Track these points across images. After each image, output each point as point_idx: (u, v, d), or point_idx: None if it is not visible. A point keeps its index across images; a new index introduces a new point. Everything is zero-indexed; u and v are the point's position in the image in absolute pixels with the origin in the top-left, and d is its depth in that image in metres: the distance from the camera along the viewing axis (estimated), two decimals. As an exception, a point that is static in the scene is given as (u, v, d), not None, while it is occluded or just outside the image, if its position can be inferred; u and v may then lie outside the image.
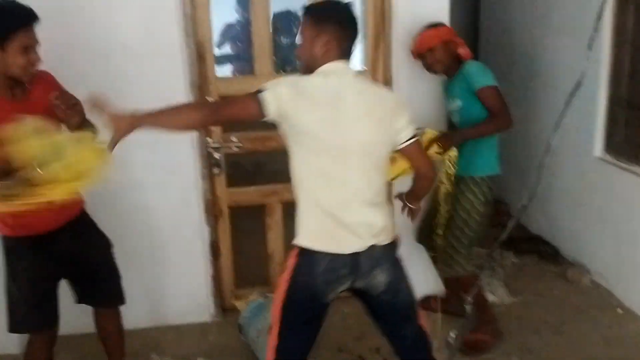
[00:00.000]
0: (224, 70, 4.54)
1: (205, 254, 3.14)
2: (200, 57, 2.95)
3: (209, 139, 3.04)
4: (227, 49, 4.73)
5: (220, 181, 3.15)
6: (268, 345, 1.99)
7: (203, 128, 1.79)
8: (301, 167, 1.89)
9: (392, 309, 2.03)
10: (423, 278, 3.25)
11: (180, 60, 2.87)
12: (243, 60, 4.07)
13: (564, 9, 3.71)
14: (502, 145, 2.86)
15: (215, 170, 3.10)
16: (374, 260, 1.93)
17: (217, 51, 3.28)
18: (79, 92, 2.84)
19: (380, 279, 1.96)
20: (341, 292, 1.97)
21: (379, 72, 3.09)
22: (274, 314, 1.96)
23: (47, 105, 2.05)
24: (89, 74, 2.85)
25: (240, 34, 4.44)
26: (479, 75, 2.60)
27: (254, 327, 2.78)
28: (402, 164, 2.27)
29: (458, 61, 2.72)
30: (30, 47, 2.00)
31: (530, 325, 3.07)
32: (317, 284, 1.90)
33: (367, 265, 1.93)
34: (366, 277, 1.94)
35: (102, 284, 2.41)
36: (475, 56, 5.19)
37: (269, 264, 3.34)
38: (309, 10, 1.95)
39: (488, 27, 5.01)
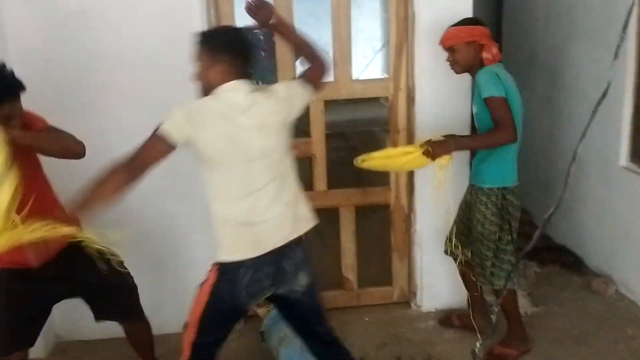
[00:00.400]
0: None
1: (227, 261, 3.16)
2: (223, 66, 2.98)
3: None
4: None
5: (243, 188, 3.17)
6: (184, 340, 2.11)
7: (134, 184, 1.87)
8: (212, 184, 1.99)
9: (311, 309, 2.18)
10: (447, 291, 3.26)
11: (205, 68, 2.90)
12: (266, 70, 4.10)
13: (589, 17, 3.67)
14: (525, 155, 2.83)
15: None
16: (296, 264, 2.07)
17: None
18: (104, 100, 2.92)
19: (302, 282, 2.10)
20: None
21: (402, 79, 3.09)
22: (192, 317, 2.06)
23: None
24: (115, 83, 2.90)
25: (264, 43, 4.47)
26: (487, 84, 2.50)
27: (276, 335, 2.78)
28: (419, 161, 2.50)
29: (481, 63, 2.62)
30: (12, 117, 1.98)
31: (553, 336, 3.03)
32: (240, 297, 2.02)
33: (290, 270, 2.06)
34: (290, 282, 2.08)
35: (112, 301, 2.39)
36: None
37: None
38: (203, 40, 2.00)
39: (511, 34, 4.98)
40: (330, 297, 3.37)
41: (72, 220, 1.88)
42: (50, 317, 2.43)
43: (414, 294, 3.33)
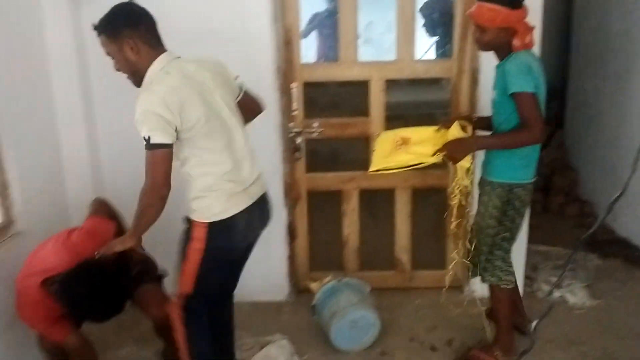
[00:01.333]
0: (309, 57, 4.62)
1: (283, 236, 3.22)
2: (287, 43, 3.01)
3: (291, 124, 3.11)
4: (313, 38, 4.83)
5: (300, 166, 3.21)
6: (173, 312, 2.19)
7: (166, 197, 1.97)
8: (197, 159, 2.04)
9: (241, 267, 2.37)
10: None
11: (268, 45, 2.94)
12: (328, 48, 4.13)
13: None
14: (591, 144, 2.72)
15: (296, 155, 3.17)
16: (266, 217, 2.27)
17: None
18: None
19: (258, 233, 2.28)
20: None
21: (466, 60, 3.03)
22: (185, 281, 2.13)
23: None
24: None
25: (326, 22, 4.51)
26: (517, 76, 2.25)
27: (328, 309, 2.83)
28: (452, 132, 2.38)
29: (509, 48, 2.33)
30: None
31: (612, 330, 2.94)
32: (238, 243, 2.16)
33: (265, 218, 2.26)
34: (260, 230, 2.26)
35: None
36: (567, 49, 5.05)
37: (344, 249, 3.38)
38: (100, 30, 2.01)
39: (582, 17, 4.78)
40: (382, 277, 3.40)
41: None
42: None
43: (468, 279, 3.30)
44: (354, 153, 3.46)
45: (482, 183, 2.55)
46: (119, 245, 2.11)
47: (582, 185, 4.67)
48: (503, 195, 2.44)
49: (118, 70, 2.06)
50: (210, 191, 2.06)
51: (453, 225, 2.58)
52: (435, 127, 2.50)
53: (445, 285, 2.81)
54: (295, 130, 3.12)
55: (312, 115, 3.17)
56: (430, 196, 3.51)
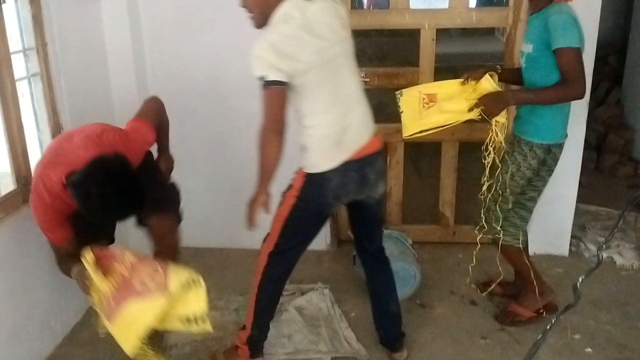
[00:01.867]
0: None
1: (326, 186, 3.23)
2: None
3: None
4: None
5: (346, 116, 3.18)
6: (262, 251, 2.22)
7: (285, 136, 1.96)
8: (305, 104, 1.99)
9: (376, 217, 2.31)
10: (547, 236, 3.15)
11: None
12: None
13: None
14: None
15: (342, 105, 3.13)
16: (377, 173, 2.14)
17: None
18: (221, 18, 2.98)
19: (380, 190, 2.19)
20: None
21: (522, 9, 2.86)
22: (275, 223, 2.16)
23: None
24: (231, 2, 2.95)
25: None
26: (563, 31, 2.12)
27: (368, 260, 2.85)
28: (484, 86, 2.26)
29: None
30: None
31: (661, 293, 2.88)
32: (326, 199, 2.08)
33: (372, 178, 2.12)
34: (370, 189, 2.14)
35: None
36: (629, 3, 4.76)
37: (387, 202, 3.37)
38: None
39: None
40: (425, 231, 3.38)
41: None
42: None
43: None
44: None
45: (518, 142, 2.38)
46: (253, 205, 2.06)
47: (637, 145, 4.48)
48: (541, 156, 2.33)
49: (244, 7, 2.02)
50: (311, 142, 2.04)
51: (485, 187, 2.43)
52: (459, 80, 2.36)
53: (486, 240, 2.78)
54: (342, 79, 3.07)
55: (359, 64, 3.10)
56: (476, 150, 3.43)
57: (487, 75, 2.29)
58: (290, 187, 2.14)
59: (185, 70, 3.07)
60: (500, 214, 2.44)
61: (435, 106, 2.34)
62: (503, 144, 2.32)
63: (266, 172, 2.02)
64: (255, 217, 2.07)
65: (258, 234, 3.26)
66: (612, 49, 4.98)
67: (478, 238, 2.52)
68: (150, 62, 3.07)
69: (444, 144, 3.24)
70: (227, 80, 3.07)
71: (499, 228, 2.45)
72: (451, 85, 2.37)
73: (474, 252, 2.56)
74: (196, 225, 3.12)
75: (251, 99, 3.04)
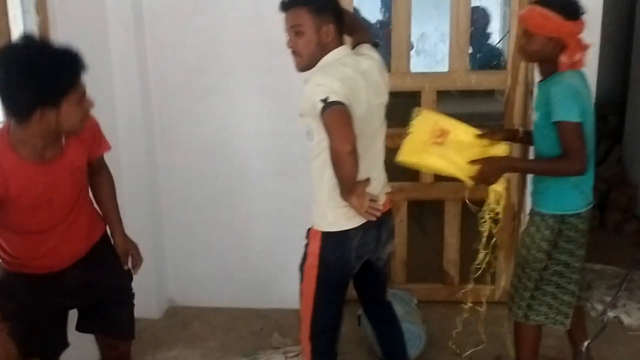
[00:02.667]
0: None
1: (330, 244, 3.24)
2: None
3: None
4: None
5: (350, 175, 3.22)
6: (302, 339, 2.13)
7: (354, 148, 1.80)
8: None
9: (382, 276, 2.31)
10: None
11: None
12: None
13: None
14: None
15: (346, 164, 3.18)
16: (389, 232, 2.16)
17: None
18: (226, 85, 3.08)
19: (388, 249, 2.21)
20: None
21: (520, 72, 2.98)
22: (305, 302, 2.08)
23: (78, 165, 1.86)
24: (237, 69, 3.05)
25: (379, 33, 4.54)
26: (562, 103, 2.05)
27: (373, 320, 2.82)
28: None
29: (555, 64, 2.13)
30: (84, 95, 1.71)
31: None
32: (350, 259, 2.04)
33: (385, 237, 2.13)
34: (381, 248, 2.14)
35: (111, 310, 2.07)
36: (627, 62, 4.89)
37: (391, 261, 3.36)
38: (306, 2, 1.94)
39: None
40: (430, 290, 3.36)
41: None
42: (164, 282, 2.48)
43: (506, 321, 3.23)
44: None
45: (532, 213, 2.31)
46: (359, 198, 1.85)
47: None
48: (554, 226, 2.20)
49: (292, 47, 2.00)
50: (334, 194, 1.93)
51: (481, 257, 2.35)
52: (477, 131, 2.27)
53: (494, 300, 2.76)
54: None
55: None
56: (480, 209, 3.46)
57: (504, 144, 2.25)
58: (305, 256, 2.07)
59: (193, 132, 3.15)
60: (525, 292, 2.29)
61: (441, 147, 2.20)
62: (500, 214, 2.23)
63: (349, 182, 1.87)
64: (366, 201, 1.86)
65: (263, 294, 3.29)
66: (611, 108, 5.08)
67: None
68: (160, 124, 3.16)
69: (447, 202, 3.27)
70: (235, 141, 3.14)
71: (524, 306, 2.30)
72: (466, 132, 2.26)
73: (481, 311, 2.54)
74: (201, 284, 3.14)
75: (257, 160, 3.13)
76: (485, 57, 4.51)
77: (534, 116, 2.24)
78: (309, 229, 2.10)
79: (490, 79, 3.16)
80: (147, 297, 2.85)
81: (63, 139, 1.78)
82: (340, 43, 2.02)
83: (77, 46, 1.69)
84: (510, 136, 2.44)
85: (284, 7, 1.99)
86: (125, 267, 2.13)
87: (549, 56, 2.12)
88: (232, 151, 3.15)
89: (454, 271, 3.35)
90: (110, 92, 2.98)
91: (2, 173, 1.65)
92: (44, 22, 2.54)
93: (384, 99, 2.09)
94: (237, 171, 3.17)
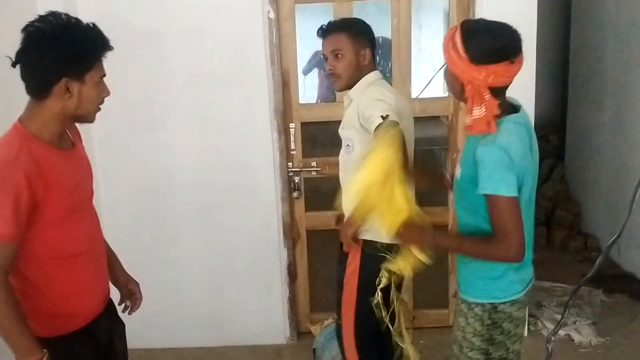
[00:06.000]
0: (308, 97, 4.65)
1: (283, 277, 3.20)
2: (284, 84, 3.05)
3: (289, 163, 3.12)
4: (314, 76, 4.86)
5: (300, 205, 3.21)
6: (346, 350, 2.20)
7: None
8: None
9: None
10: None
11: (265, 87, 2.97)
12: (326, 88, 4.14)
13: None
14: (594, 176, 2.68)
15: (295, 194, 3.16)
16: None
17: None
18: (171, 118, 3.03)
19: None
20: None
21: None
22: (347, 316, 2.17)
23: (87, 162, 1.81)
24: (180, 101, 3.01)
25: (324, 62, 4.54)
26: (492, 173, 1.58)
27: (329, 353, 2.78)
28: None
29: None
30: (103, 77, 1.71)
31: (620, 370, 2.88)
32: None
33: None
34: None
35: None
36: (564, 82, 5.09)
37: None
38: (346, 28, 2.18)
39: (578, 49, 4.82)
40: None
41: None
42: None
43: None
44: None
45: (457, 300, 1.87)
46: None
47: (585, 219, 4.64)
48: (484, 318, 1.75)
49: (332, 69, 2.19)
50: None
51: (383, 316, 2.11)
52: (411, 200, 1.87)
53: (449, 323, 2.76)
54: (294, 169, 3.13)
55: (312, 154, 3.18)
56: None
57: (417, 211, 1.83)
58: (344, 268, 2.17)
59: (136, 167, 3.07)
60: None
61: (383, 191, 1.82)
62: (403, 276, 1.99)
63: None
64: None
65: (217, 331, 3.19)
66: (552, 128, 5.25)
67: None
68: (101, 160, 3.06)
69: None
70: (180, 176, 3.08)
71: None
72: (404, 196, 1.83)
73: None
74: (149, 324, 3.02)
75: (204, 194, 3.08)
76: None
77: (457, 172, 1.77)
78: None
79: (434, 105, 3.21)
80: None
81: (69, 133, 1.73)
82: (374, 67, 2.25)
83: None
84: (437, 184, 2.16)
85: (324, 33, 2.19)
86: (123, 306, 2.01)
87: (465, 99, 1.67)
88: (177, 186, 3.08)
89: (406, 297, 3.34)
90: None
91: (37, 167, 1.53)
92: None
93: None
94: (183, 205, 3.10)
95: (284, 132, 3.07)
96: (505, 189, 1.58)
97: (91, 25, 1.62)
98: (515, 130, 1.64)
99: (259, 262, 3.17)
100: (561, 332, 3.13)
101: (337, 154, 2.98)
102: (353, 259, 2.16)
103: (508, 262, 1.68)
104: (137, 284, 2.05)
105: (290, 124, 3.10)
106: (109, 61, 2.71)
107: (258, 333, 3.19)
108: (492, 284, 1.74)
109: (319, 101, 3.43)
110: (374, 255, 2.05)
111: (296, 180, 3.15)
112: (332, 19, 3.06)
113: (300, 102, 3.15)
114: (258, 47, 2.94)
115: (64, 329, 1.66)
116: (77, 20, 1.61)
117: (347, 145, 2.19)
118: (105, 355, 1.80)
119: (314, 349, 2.89)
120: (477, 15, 2.89)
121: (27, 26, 1.55)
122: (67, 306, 1.67)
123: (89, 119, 1.69)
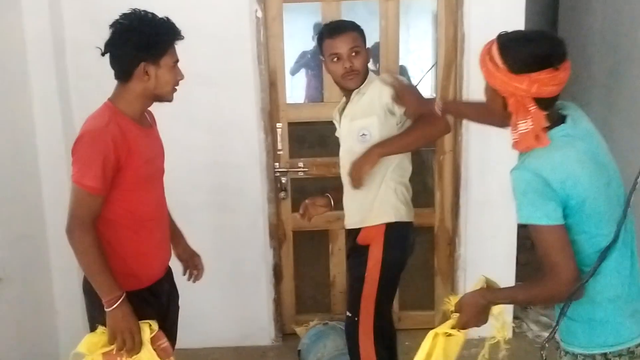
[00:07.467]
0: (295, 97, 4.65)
1: (268, 278, 3.18)
2: (272, 84, 3.03)
3: (276, 164, 3.10)
4: (301, 76, 4.85)
5: (286, 205, 3.19)
6: (361, 342, 2.23)
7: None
8: (408, 163, 2.32)
9: None
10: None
11: (252, 87, 2.96)
12: (313, 88, 4.15)
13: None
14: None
15: (282, 195, 3.15)
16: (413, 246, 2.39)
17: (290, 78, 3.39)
18: (157, 114, 2.99)
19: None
20: None
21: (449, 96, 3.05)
22: (366, 306, 2.20)
23: (161, 142, 2.09)
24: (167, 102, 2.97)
25: (312, 62, 4.53)
26: (522, 198, 1.45)
27: (314, 354, 2.77)
28: None
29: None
30: (177, 62, 1.96)
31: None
32: (406, 254, 2.28)
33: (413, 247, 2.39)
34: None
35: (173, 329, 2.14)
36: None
37: (330, 291, 3.33)
38: (356, 25, 2.29)
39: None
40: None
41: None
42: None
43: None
44: (341, 192, 3.44)
45: (559, 351, 1.64)
46: None
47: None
48: None
49: (352, 66, 2.22)
50: (395, 192, 2.24)
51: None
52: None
53: (434, 325, 2.75)
54: (281, 169, 3.12)
55: (298, 154, 3.17)
56: (417, 235, 3.49)
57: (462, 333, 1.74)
58: (362, 262, 2.20)
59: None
60: None
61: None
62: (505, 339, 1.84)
63: (403, 144, 2.22)
64: None
65: (199, 333, 3.15)
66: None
67: None
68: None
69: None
70: (165, 175, 3.03)
71: None
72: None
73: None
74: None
75: (190, 193, 3.05)
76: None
77: None
78: (359, 230, 2.27)
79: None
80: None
81: (147, 117, 2.02)
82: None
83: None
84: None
85: (340, 31, 2.23)
86: (188, 277, 2.24)
87: (502, 113, 1.53)
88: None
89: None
90: (31, 129, 2.84)
91: (122, 135, 1.81)
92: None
93: None
94: (169, 205, 3.06)
95: (271, 132, 3.06)
96: (538, 217, 1.42)
97: (165, 18, 1.90)
98: (561, 145, 1.46)
99: (244, 263, 3.14)
100: (545, 334, 3.13)
101: (325, 154, 2.98)
102: (373, 252, 2.20)
103: (561, 301, 1.48)
104: (200, 257, 2.28)
105: (277, 124, 3.08)
106: (93, 59, 2.70)
107: (243, 334, 3.17)
108: (599, 333, 1.50)
109: (306, 101, 3.43)
110: (396, 246, 2.20)
111: (283, 181, 3.13)
112: (320, 18, 3.06)
113: (288, 102, 3.13)
114: (245, 47, 2.92)
115: (134, 286, 1.86)
116: (153, 15, 1.89)
117: (363, 134, 2.24)
118: (164, 316, 2.00)
119: (299, 351, 2.88)
120: (465, 17, 2.91)
121: (113, 23, 1.85)
122: (136, 266, 1.90)
123: (167, 98, 1.96)
